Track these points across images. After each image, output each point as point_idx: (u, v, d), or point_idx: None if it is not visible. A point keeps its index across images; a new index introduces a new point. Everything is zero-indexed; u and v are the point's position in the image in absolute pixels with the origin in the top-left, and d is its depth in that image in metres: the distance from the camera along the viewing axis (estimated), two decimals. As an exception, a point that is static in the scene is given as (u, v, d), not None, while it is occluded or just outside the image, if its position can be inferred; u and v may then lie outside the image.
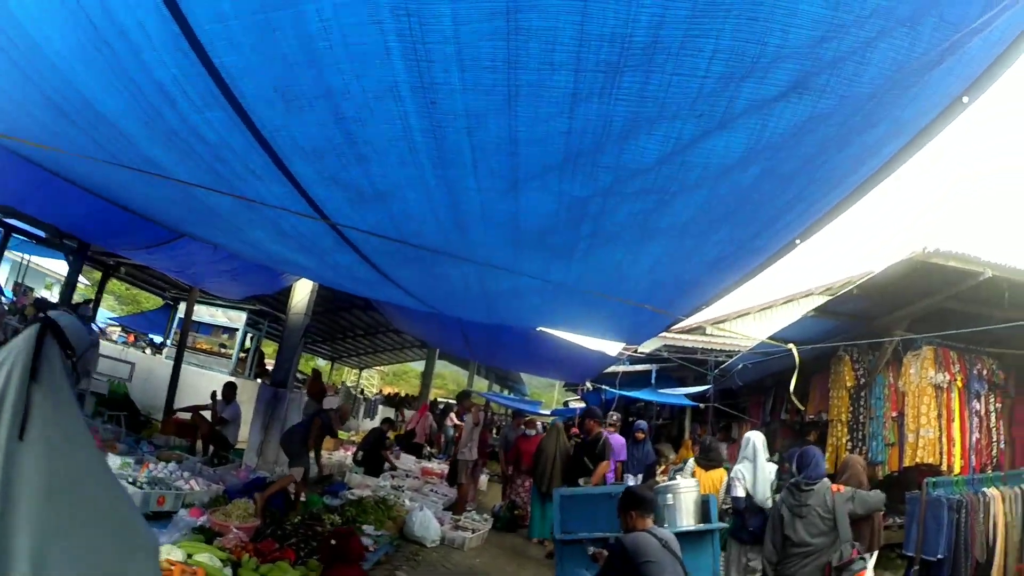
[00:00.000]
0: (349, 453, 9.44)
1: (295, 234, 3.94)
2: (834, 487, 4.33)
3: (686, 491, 4.38)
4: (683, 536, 4.25)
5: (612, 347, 6.11)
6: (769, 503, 4.62)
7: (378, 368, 30.83)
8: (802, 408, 8.37)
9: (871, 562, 4.09)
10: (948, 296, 6.17)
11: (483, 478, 8.72)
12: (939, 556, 5.32)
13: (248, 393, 9.26)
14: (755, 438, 5.01)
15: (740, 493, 4.70)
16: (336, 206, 2.94)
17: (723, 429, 10.16)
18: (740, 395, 10.20)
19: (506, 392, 22.21)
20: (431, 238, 2.81)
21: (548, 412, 18.82)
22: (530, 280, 2.90)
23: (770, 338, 5.76)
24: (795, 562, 4.03)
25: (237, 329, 14.02)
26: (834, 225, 2.63)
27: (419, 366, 15.05)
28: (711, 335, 11.53)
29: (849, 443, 7.13)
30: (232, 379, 9.46)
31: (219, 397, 7.97)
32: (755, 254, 2.87)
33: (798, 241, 2.97)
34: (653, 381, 10.77)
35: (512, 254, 2.65)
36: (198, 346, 13.79)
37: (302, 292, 8.58)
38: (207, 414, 7.88)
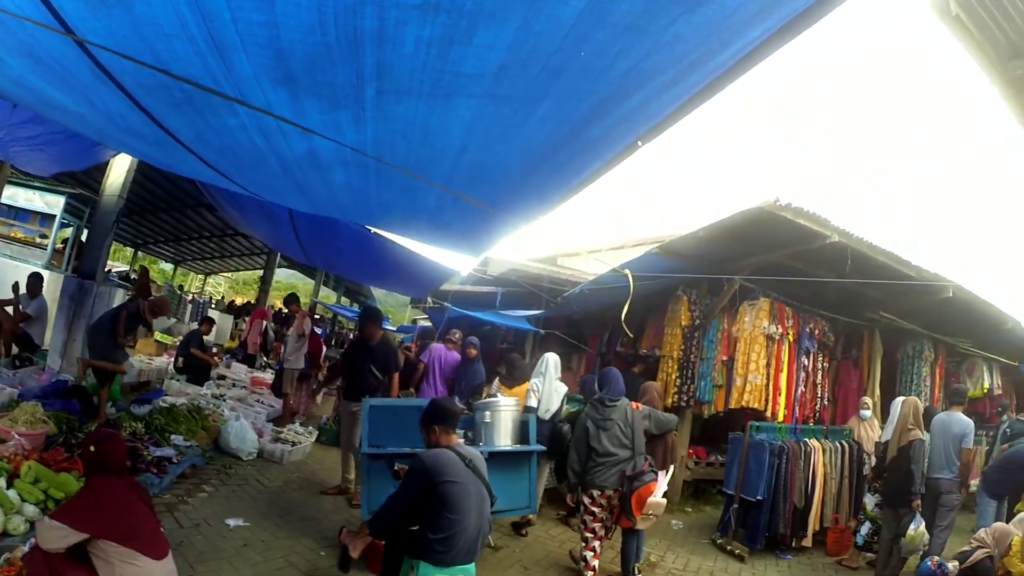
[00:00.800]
0: (171, 359, 8.45)
1: (51, 61, 3.05)
2: (634, 404, 4.50)
3: (505, 409, 4.22)
4: (499, 456, 4.15)
5: (453, 260, 5.74)
6: (548, 416, 5.02)
7: (226, 275, 28.77)
8: (633, 340, 8.67)
9: (664, 479, 4.28)
10: (793, 253, 6.45)
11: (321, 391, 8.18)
12: (759, 497, 5.72)
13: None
14: (550, 358, 5.36)
15: (532, 403, 5.04)
16: (77, 12, 2.17)
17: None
18: (583, 326, 10.45)
19: (355, 306, 21.45)
20: (190, 65, 2.14)
21: (394, 329, 18.53)
22: (325, 144, 2.35)
23: (614, 270, 5.70)
24: (599, 471, 4.27)
25: (55, 216, 11.93)
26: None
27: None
28: (561, 266, 11.67)
29: (678, 380, 7.48)
30: (40, 271, 7.95)
31: (23, 291, 6.65)
32: (591, 149, 2.53)
33: (640, 143, 2.67)
34: (498, 304, 10.73)
35: (288, 98, 2.07)
36: (13, 235, 11.60)
37: (119, 170, 7.27)
38: (11, 310, 6.59)
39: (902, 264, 6.27)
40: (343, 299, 23.46)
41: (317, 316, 18.48)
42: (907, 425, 5.06)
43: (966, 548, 4.29)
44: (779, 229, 5.83)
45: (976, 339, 8.42)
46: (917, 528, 4.76)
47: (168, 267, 21.58)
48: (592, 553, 4.30)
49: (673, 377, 7.57)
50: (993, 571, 4.05)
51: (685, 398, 7.49)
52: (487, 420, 4.07)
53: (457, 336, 7.45)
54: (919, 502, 4.91)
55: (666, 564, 5.25)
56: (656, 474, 4.23)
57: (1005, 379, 8.98)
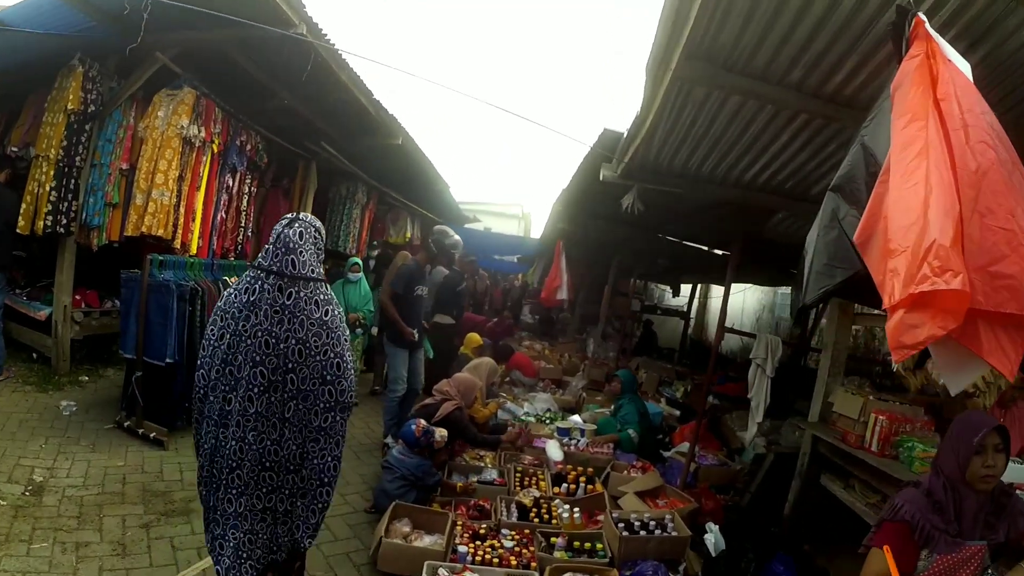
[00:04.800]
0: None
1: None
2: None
3: None
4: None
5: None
6: None
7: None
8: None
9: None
10: (242, 38, 4.62)
11: None
12: (168, 360, 4.11)
13: None
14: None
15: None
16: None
17: None
18: None
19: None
20: None
21: None
22: None
23: None
24: None
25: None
26: None
27: None
28: None
29: (54, 192, 4.80)
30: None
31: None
32: None
33: None
34: None
35: None
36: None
37: None
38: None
39: (365, 96, 5.49)
40: None
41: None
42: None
43: (429, 401, 4.24)
44: None
45: (407, 192, 9.03)
46: None
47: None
48: None
49: (48, 188, 4.77)
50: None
51: (64, 220, 4.88)
52: None
53: None
54: None
55: (59, 479, 3.49)
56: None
57: (423, 233, 10.23)
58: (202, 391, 2.10)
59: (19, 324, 5.53)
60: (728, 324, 4.36)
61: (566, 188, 5.82)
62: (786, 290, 8.23)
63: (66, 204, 4.92)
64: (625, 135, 3.34)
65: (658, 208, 3.96)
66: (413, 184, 8.73)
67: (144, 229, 4.79)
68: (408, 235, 9.70)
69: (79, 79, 4.78)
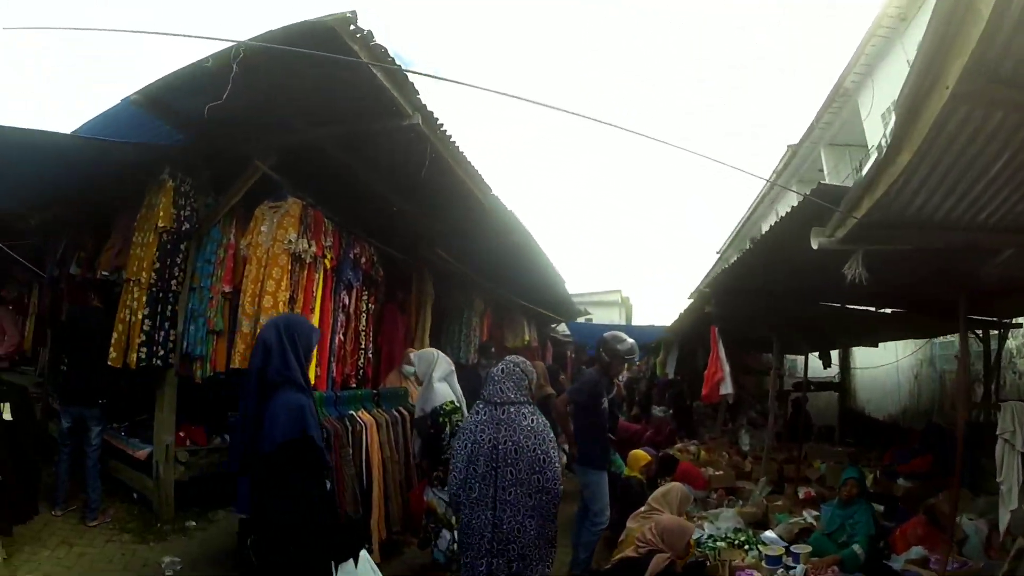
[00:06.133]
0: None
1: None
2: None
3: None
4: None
5: None
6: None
7: None
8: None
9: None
10: (345, 134, 4.27)
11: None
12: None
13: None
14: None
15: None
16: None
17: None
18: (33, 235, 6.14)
19: None
20: None
21: None
22: None
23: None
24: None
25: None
26: None
27: None
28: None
29: (147, 321, 4.41)
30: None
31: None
32: None
33: None
34: None
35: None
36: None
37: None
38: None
39: (483, 192, 5.00)
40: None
41: None
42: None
43: (630, 554, 3.38)
44: (338, 80, 3.54)
45: (523, 293, 8.50)
46: None
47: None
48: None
49: (140, 316, 4.39)
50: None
51: (162, 352, 4.49)
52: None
53: None
54: None
55: None
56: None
57: (539, 334, 9.65)
58: (455, 487, 2.88)
59: (119, 461, 5.08)
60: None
61: (725, 268, 5.10)
62: (944, 339, 7.07)
63: (162, 333, 4.53)
64: (854, 186, 2.61)
65: (880, 271, 3.14)
66: (528, 282, 8.15)
67: (254, 360, 4.27)
68: (527, 338, 8.99)
69: (169, 194, 4.48)
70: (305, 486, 2.25)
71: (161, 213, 4.43)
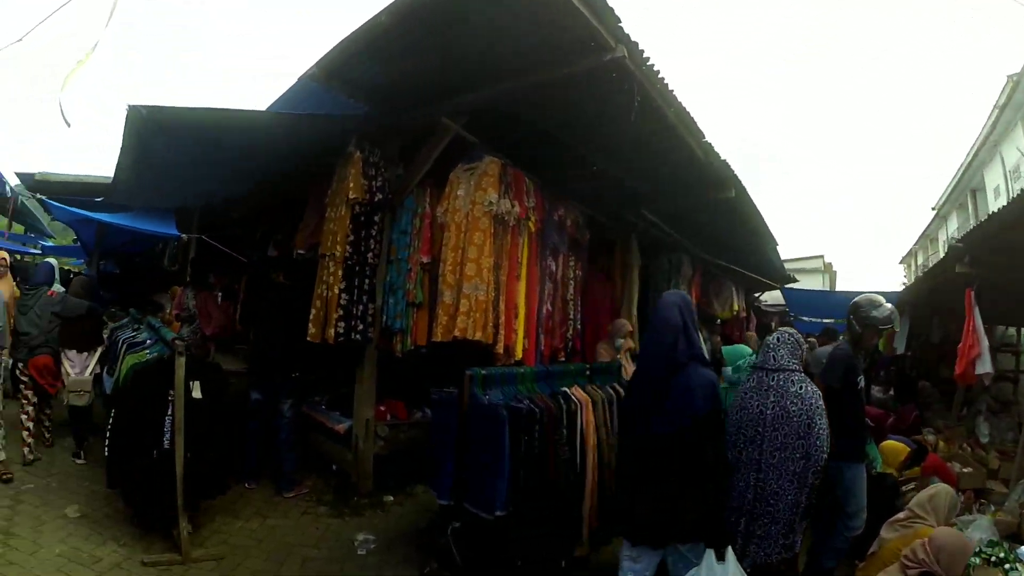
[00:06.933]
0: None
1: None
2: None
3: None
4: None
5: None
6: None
7: None
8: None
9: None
10: (541, 83, 3.66)
11: None
12: (498, 513, 2.89)
13: None
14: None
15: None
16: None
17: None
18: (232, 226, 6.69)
19: None
20: None
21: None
22: None
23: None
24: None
25: None
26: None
27: None
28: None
29: (344, 295, 4.27)
30: None
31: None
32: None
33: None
34: None
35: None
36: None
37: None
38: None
39: (695, 138, 4.19)
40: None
41: None
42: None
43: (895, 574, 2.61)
44: (524, 17, 3.03)
45: (732, 257, 7.66)
46: None
47: None
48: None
49: (336, 291, 4.25)
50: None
51: (360, 326, 4.33)
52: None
53: None
54: None
55: None
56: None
57: (748, 302, 8.77)
58: (730, 447, 2.90)
59: (319, 434, 5.15)
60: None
61: (993, 214, 3.88)
62: None
63: (360, 308, 4.39)
64: None
65: None
66: (739, 245, 7.21)
67: (457, 333, 3.94)
68: (736, 307, 8.05)
69: (358, 165, 4.33)
70: (717, 457, 2.43)
71: (352, 184, 4.29)
